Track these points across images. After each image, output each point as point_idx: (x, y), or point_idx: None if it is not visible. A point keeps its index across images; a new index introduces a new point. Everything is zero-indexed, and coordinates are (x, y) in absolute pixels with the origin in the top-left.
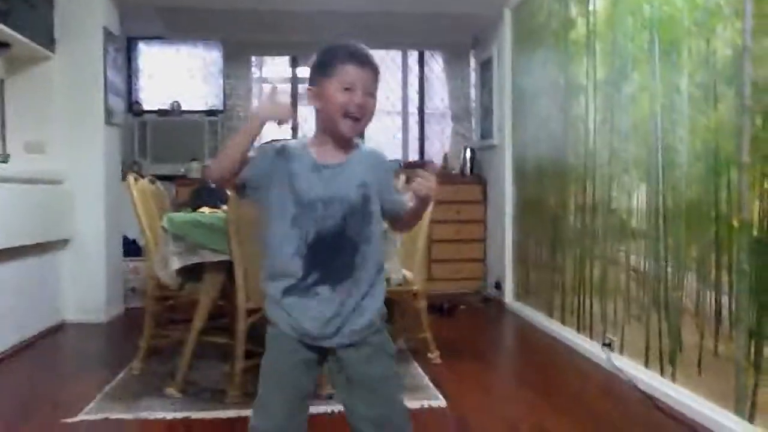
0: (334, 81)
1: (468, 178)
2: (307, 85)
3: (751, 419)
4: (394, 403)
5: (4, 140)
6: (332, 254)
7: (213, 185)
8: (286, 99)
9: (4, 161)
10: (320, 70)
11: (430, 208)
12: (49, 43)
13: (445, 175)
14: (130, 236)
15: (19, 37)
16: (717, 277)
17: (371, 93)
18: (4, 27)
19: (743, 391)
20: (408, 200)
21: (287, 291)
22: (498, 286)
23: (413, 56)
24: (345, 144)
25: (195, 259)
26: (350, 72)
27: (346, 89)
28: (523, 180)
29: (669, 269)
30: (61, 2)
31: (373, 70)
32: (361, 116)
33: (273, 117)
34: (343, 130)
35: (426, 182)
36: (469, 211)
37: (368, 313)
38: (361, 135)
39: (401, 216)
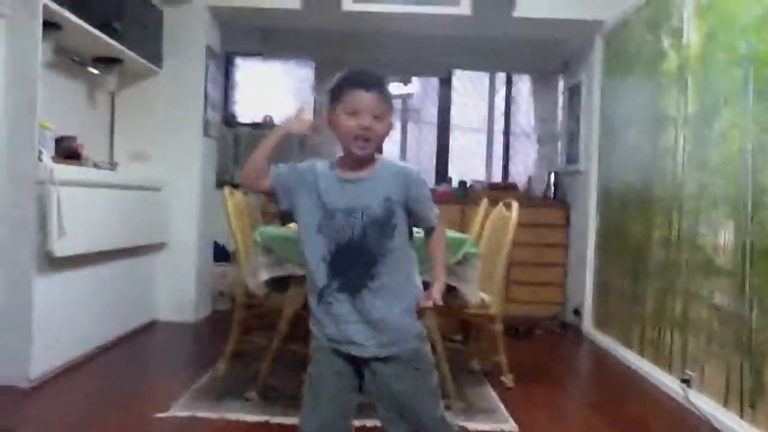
0: (342, 107)
1: (551, 202)
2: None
3: None
4: (423, 420)
5: (112, 149)
6: (351, 263)
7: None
8: (309, 116)
9: (113, 169)
10: (332, 97)
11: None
12: (157, 59)
13: (528, 198)
14: (220, 242)
15: (131, 54)
16: None
17: (379, 115)
18: (119, 45)
19: None
20: (433, 219)
21: (317, 301)
22: (577, 312)
23: (500, 77)
24: (364, 162)
25: (282, 272)
26: (356, 97)
27: (353, 113)
28: (607, 208)
29: (754, 310)
30: (170, 22)
31: (380, 92)
32: (370, 137)
33: (294, 129)
34: (354, 151)
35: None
36: (550, 235)
37: (395, 330)
38: (380, 150)
39: (427, 234)
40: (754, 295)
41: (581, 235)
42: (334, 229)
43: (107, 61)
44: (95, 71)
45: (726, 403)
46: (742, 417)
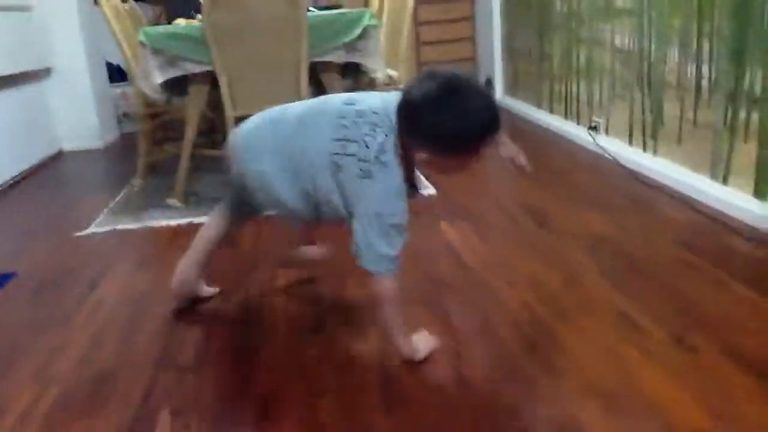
0: None
1: None
2: None
3: (724, 181)
4: None
5: None
6: None
7: None
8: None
9: None
10: None
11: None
12: None
13: None
14: (114, 62)
15: None
16: (698, 45)
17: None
18: None
19: (719, 156)
20: None
21: None
22: (489, 82)
23: None
24: None
25: (176, 72)
26: None
27: None
28: None
29: (653, 44)
30: None
31: None
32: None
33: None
34: None
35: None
36: (456, 10)
37: None
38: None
39: None
40: (652, 29)
41: (486, 4)
42: None
43: None
44: None
45: (630, 141)
46: (645, 150)
